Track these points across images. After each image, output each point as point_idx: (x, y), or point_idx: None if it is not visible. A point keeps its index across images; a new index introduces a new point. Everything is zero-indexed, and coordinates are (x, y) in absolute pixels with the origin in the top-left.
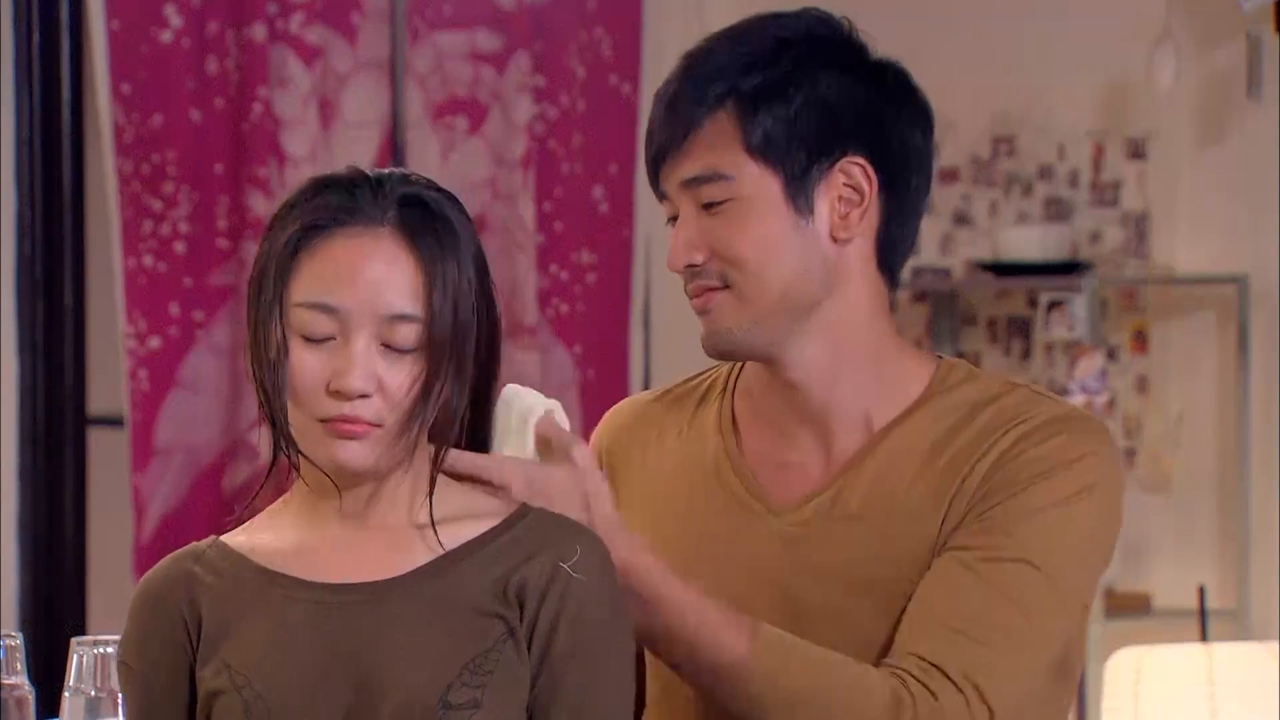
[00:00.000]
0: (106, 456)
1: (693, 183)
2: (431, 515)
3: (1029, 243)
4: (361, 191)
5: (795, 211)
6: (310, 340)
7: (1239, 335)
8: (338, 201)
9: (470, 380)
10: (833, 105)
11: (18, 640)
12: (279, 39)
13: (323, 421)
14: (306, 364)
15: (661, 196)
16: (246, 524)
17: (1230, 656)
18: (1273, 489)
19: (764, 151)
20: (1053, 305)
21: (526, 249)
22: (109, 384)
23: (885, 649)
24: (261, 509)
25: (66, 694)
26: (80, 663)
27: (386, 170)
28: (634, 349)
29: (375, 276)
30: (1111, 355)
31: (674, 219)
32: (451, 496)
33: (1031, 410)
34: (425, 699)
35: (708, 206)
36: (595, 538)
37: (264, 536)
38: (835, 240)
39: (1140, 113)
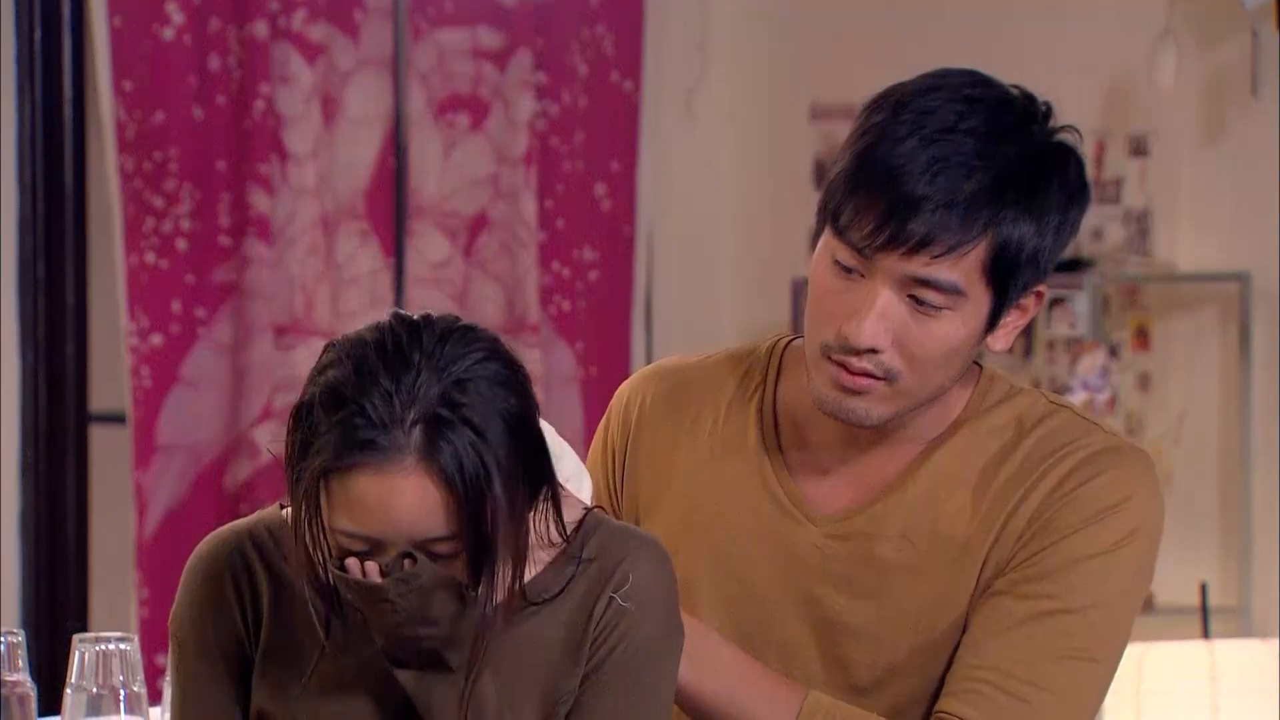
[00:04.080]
0: (108, 453)
1: (925, 284)
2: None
3: None
4: (380, 422)
5: (985, 329)
6: (353, 551)
7: (1240, 332)
8: (359, 436)
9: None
10: (1060, 241)
11: (19, 637)
12: (281, 36)
13: None
14: (354, 568)
15: (857, 252)
16: None
17: (1232, 653)
18: (1274, 486)
19: (996, 278)
20: (1054, 302)
21: (528, 246)
22: (111, 381)
23: (915, 675)
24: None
25: (68, 691)
26: (82, 660)
27: (405, 364)
28: (635, 346)
29: (405, 512)
30: (1113, 352)
31: (845, 268)
32: None
33: (1077, 440)
34: None
35: (918, 303)
36: (647, 555)
37: None
38: (987, 345)
39: (1142, 110)
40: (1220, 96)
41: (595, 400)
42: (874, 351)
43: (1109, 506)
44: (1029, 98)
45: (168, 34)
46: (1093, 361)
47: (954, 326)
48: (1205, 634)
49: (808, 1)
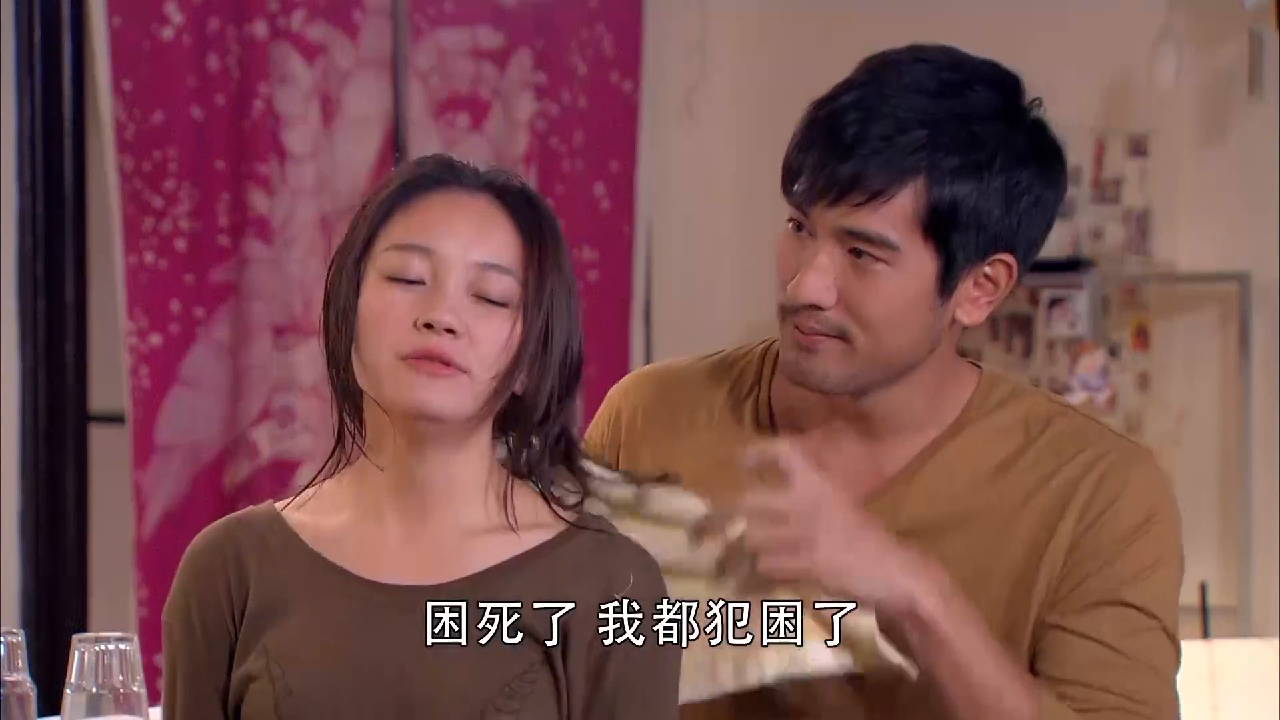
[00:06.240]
0: (108, 453)
1: (855, 235)
2: (512, 516)
3: None
4: (459, 165)
5: (938, 293)
6: (399, 280)
7: (1240, 332)
8: (434, 168)
9: (556, 367)
10: (1013, 203)
11: (19, 637)
12: (280, 36)
13: (405, 359)
14: (395, 298)
15: (798, 208)
16: (303, 497)
17: (1232, 653)
18: (1274, 486)
19: (936, 235)
20: (1054, 302)
21: None
22: (110, 381)
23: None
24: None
25: (68, 691)
26: (82, 660)
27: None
28: (635, 346)
29: (470, 225)
30: (1113, 352)
31: (798, 226)
32: (514, 503)
33: (1090, 445)
34: (462, 717)
35: (857, 256)
36: (647, 572)
37: (321, 518)
38: (954, 320)
39: (1142, 110)
40: (1220, 96)
41: (595, 400)
42: (817, 308)
43: (1140, 523)
44: (992, 65)
45: (167, 34)
46: (1092, 361)
47: (895, 284)
48: (1205, 634)
49: (807, 1)
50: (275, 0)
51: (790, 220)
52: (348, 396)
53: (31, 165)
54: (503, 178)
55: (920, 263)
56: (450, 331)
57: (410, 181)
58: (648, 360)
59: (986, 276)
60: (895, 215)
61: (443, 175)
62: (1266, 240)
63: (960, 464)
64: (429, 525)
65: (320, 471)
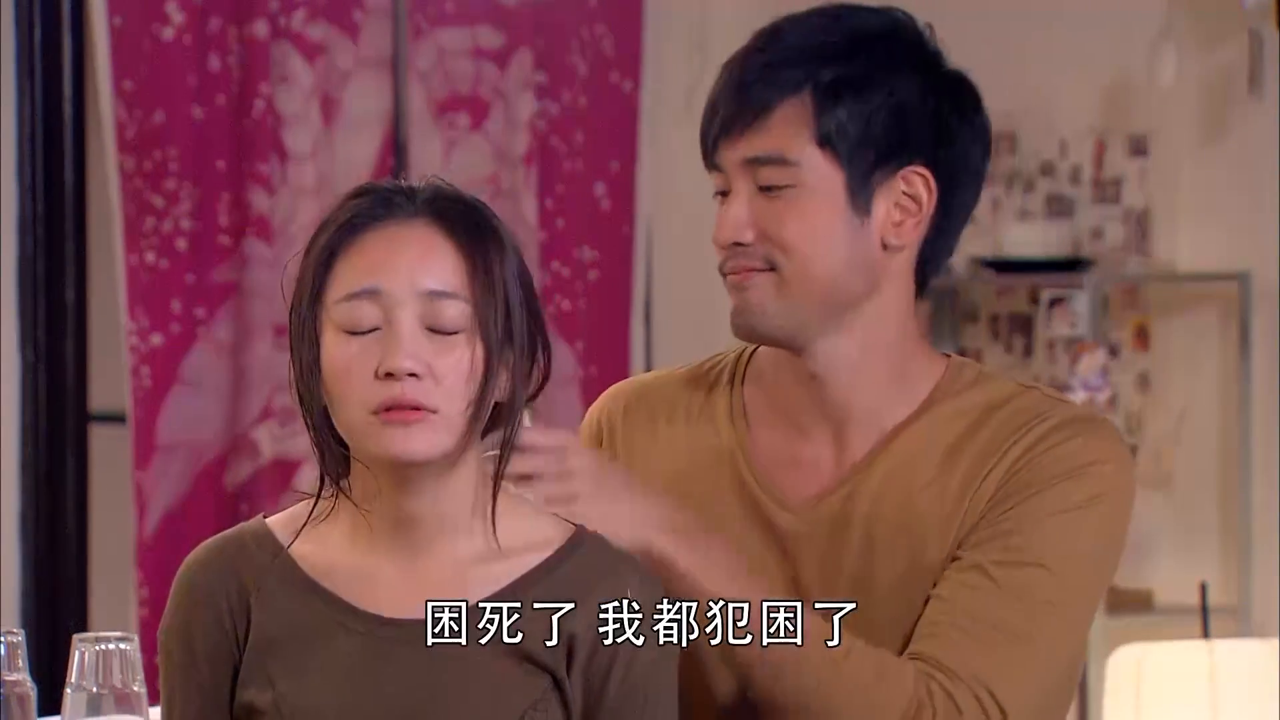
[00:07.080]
0: (108, 453)
1: (754, 162)
2: (494, 519)
3: (1031, 239)
4: (393, 194)
5: (853, 210)
6: (355, 334)
7: (1240, 332)
8: (369, 203)
9: (525, 374)
10: (907, 110)
11: (19, 636)
12: (281, 36)
13: (376, 413)
14: (352, 352)
15: (713, 168)
16: (297, 521)
17: (1232, 653)
18: (1274, 485)
19: (833, 145)
20: (1054, 302)
21: (528, 245)
22: (111, 381)
23: (893, 651)
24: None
25: (68, 691)
26: (82, 659)
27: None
28: (635, 345)
29: (412, 258)
30: (1113, 352)
31: (723, 194)
32: (506, 524)
33: (1047, 411)
34: None
35: (765, 189)
36: (645, 579)
37: (318, 548)
38: (885, 247)
39: (1142, 109)
40: (1220, 96)
41: (595, 400)
42: (740, 245)
43: (1080, 466)
44: (889, 7)
45: (168, 33)
46: (1093, 361)
47: (804, 203)
48: (1205, 634)
49: (807, 3)
50: (275, 0)
51: (714, 193)
52: (331, 454)
53: (31, 165)
54: (439, 194)
55: (824, 178)
56: (413, 375)
57: (346, 223)
58: (648, 360)
59: (906, 194)
60: (785, 131)
61: (377, 210)
62: (1266, 240)
63: (919, 447)
64: (425, 559)
65: (310, 513)
